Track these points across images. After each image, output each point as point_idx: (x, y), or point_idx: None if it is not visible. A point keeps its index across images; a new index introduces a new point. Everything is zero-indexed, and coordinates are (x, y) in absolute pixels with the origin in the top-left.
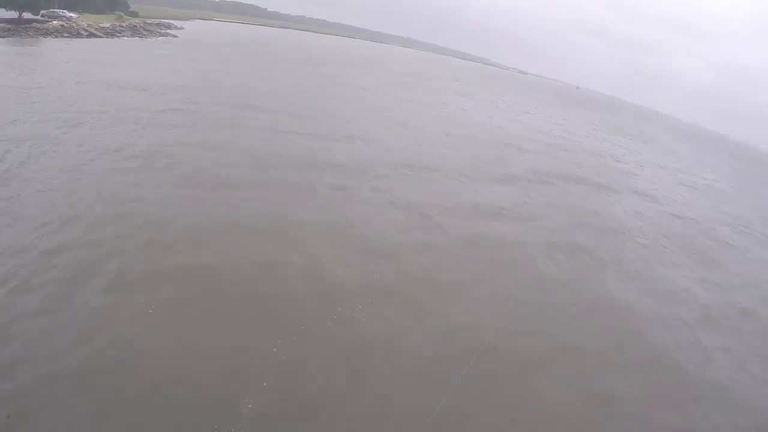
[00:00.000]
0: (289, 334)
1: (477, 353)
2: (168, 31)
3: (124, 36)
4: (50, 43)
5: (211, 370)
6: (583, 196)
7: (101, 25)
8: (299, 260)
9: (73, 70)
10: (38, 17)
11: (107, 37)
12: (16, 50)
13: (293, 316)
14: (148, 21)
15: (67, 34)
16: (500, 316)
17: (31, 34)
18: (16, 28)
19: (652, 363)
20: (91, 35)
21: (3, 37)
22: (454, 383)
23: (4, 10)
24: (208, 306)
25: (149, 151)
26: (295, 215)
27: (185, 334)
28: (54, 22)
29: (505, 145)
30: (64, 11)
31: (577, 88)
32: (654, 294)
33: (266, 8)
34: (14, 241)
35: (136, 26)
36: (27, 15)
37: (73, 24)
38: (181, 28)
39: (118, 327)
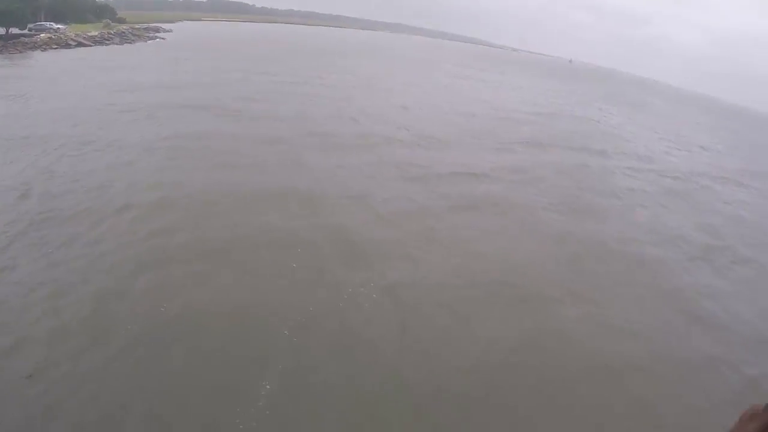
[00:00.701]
0: None
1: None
2: (156, 34)
3: (113, 43)
4: (40, 56)
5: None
6: (580, 161)
7: (89, 34)
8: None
9: (75, 77)
10: (25, 31)
11: (96, 45)
12: (6, 63)
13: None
14: (136, 26)
15: (55, 46)
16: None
17: (19, 48)
18: (5, 44)
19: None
20: (80, 45)
21: None
22: None
23: None
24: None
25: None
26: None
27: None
28: (42, 35)
29: (502, 119)
30: (51, 23)
31: (570, 61)
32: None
33: (254, 5)
34: None
35: (124, 32)
36: (14, 30)
37: (61, 35)
38: (170, 31)
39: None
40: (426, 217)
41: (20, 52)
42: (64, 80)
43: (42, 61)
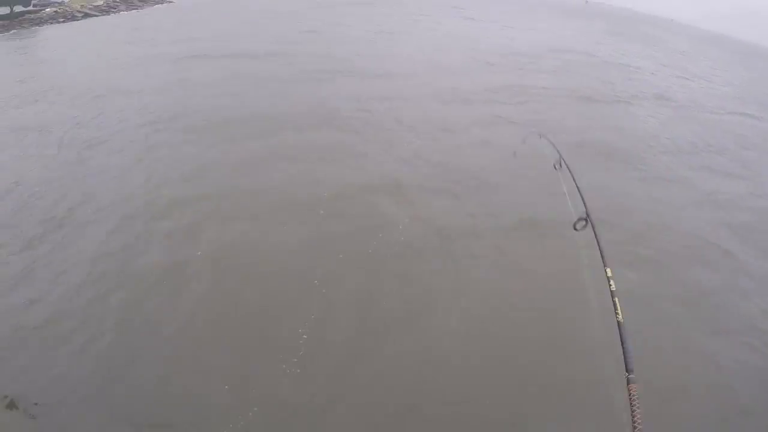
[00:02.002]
0: None
1: None
2: None
3: (120, 11)
4: (48, 31)
5: None
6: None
7: (95, 4)
8: None
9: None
10: (30, 8)
11: (103, 15)
12: (18, 44)
13: None
14: None
15: (62, 19)
16: None
17: (26, 25)
18: (11, 23)
19: None
20: (86, 15)
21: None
22: None
23: None
24: None
25: None
26: None
27: None
28: (47, 9)
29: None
30: None
31: (586, 2)
32: None
33: None
34: None
35: None
36: (18, 8)
37: (66, 8)
38: None
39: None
40: None
41: (27, 28)
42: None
43: (51, 35)
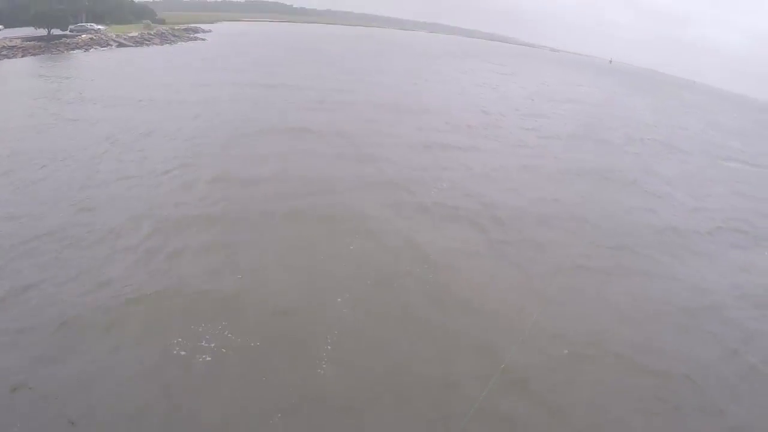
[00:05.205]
0: None
1: None
2: (196, 35)
3: (153, 44)
4: (83, 57)
5: None
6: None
7: (130, 34)
8: None
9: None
10: (67, 32)
11: (136, 46)
12: (55, 65)
13: None
14: (176, 27)
15: (97, 47)
16: None
17: (61, 49)
18: (47, 45)
19: None
20: (120, 45)
21: (35, 54)
22: None
23: (33, 28)
24: None
25: None
26: None
27: None
28: (83, 35)
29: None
30: (92, 24)
31: (610, 62)
32: None
33: (292, 5)
34: None
35: (164, 33)
36: (56, 31)
37: (102, 36)
38: (209, 31)
39: None
40: None
41: (62, 52)
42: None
43: (87, 61)
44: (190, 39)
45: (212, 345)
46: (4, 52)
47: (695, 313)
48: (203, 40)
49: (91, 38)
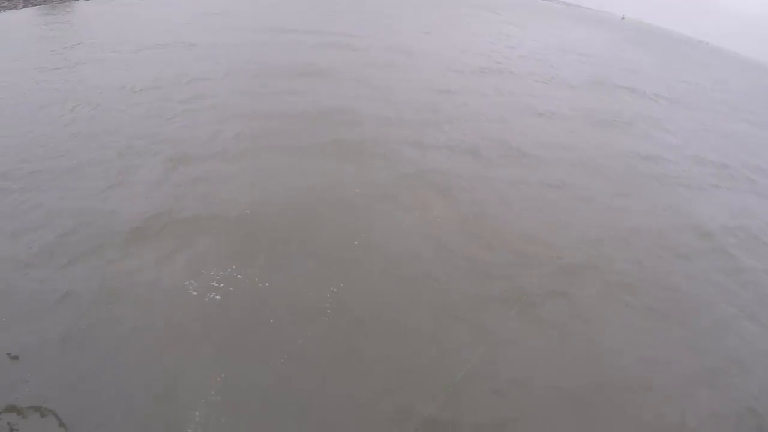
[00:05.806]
0: None
1: None
2: None
3: None
4: (85, 6)
5: None
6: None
7: None
8: None
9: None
10: None
11: None
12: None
13: None
14: None
15: None
16: None
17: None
18: None
19: None
20: None
21: (37, 5)
22: None
23: None
24: None
25: None
26: None
27: None
28: None
29: None
30: None
31: (623, 18)
32: None
33: None
34: None
35: None
36: None
37: None
38: None
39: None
40: None
41: (64, 1)
42: None
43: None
44: None
45: None
46: (5, 4)
47: None
48: None
49: None
